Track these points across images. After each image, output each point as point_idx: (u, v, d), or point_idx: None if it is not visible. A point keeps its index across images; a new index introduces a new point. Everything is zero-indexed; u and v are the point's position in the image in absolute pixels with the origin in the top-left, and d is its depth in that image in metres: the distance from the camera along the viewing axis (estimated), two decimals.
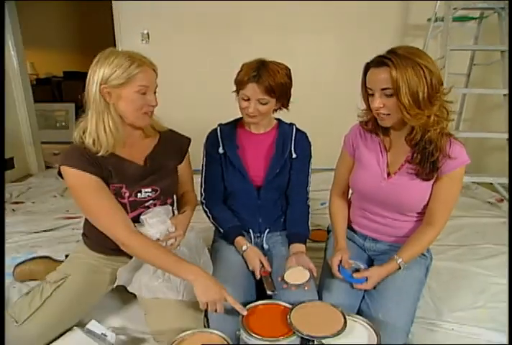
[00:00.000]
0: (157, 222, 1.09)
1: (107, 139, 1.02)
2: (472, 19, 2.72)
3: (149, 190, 1.13)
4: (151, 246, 1.03)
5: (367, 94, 1.06)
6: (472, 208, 2.35)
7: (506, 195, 2.28)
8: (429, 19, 2.74)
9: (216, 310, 1.00)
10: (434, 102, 0.98)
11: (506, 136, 2.25)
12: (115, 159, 1.07)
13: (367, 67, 1.04)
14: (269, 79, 1.15)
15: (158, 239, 1.09)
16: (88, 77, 1.01)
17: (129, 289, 1.13)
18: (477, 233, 1.97)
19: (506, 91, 2.27)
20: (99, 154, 1.03)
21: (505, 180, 2.25)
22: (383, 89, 0.99)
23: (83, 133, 1.03)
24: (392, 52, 0.99)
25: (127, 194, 1.09)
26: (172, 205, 1.24)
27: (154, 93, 1.08)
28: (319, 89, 3.04)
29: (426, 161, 1.06)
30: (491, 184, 2.60)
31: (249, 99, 1.19)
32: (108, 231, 1.04)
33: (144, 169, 1.12)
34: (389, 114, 1.03)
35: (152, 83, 1.05)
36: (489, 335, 1.17)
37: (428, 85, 0.96)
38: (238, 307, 0.99)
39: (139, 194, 1.11)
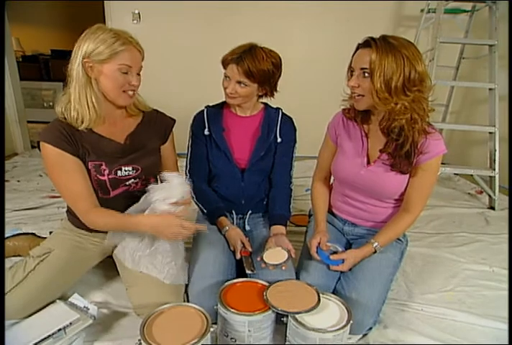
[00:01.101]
0: (182, 184, 1.03)
1: (89, 113, 1.03)
2: (464, 11, 2.73)
3: (130, 168, 1.14)
4: (108, 216, 1.07)
5: (350, 75, 1.09)
6: (453, 198, 2.42)
7: (485, 187, 2.35)
8: (422, 10, 2.75)
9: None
10: (408, 93, 1.01)
11: (490, 129, 2.30)
12: (94, 137, 1.08)
13: (357, 48, 1.07)
14: (250, 63, 1.16)
15: (175, 203, 1.04)
16: (73, 51, 1.01)
17: (116, 254, 1.16)
18: (454, 222, 2.04)
19: (492, 85, 2.30)
20: (80, 128, 1.04)
21: (486, 173, 2.32)
22: (362, 69, 1.03)
23: (65, 106, 1.04)
24: (383, 37, 1.02)
25: (107, 171, 1.10)
26: None
27: (138, 74, 1.07)
28: (307, 79, 3.03)
29: (398, 152, 1.09)
30: (471, 176, 2.66)
31: (230, 79, 1.21)
32: (71, 205, 1.09)
33: (123, 147, 1.13)
34: (363, 95, 1.06)
35: (135, 63, 1.04)
36: (454, 314, 1.24)
37: (404, 76, 0.99)
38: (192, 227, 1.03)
39: (119, 172, 1.12)
